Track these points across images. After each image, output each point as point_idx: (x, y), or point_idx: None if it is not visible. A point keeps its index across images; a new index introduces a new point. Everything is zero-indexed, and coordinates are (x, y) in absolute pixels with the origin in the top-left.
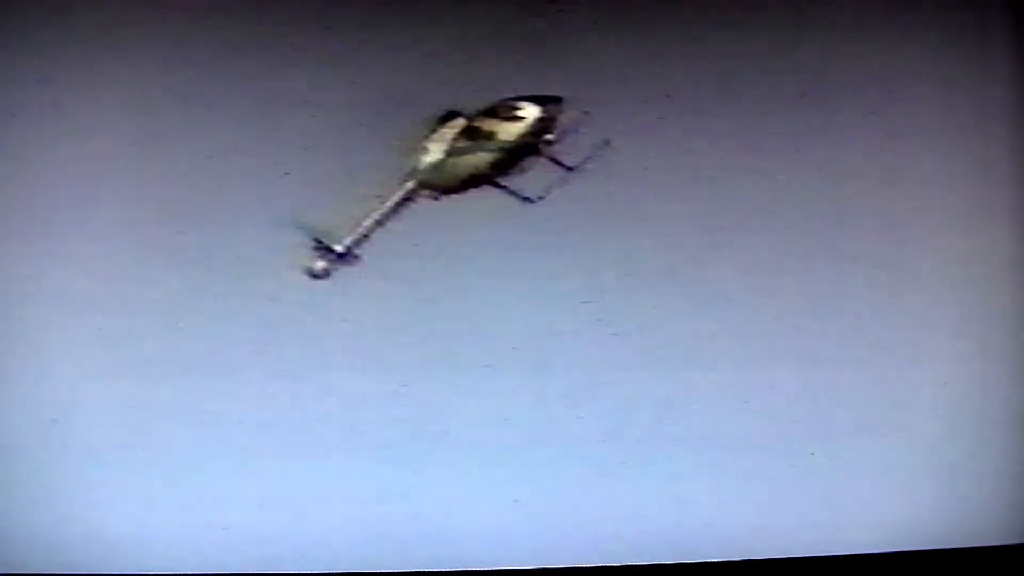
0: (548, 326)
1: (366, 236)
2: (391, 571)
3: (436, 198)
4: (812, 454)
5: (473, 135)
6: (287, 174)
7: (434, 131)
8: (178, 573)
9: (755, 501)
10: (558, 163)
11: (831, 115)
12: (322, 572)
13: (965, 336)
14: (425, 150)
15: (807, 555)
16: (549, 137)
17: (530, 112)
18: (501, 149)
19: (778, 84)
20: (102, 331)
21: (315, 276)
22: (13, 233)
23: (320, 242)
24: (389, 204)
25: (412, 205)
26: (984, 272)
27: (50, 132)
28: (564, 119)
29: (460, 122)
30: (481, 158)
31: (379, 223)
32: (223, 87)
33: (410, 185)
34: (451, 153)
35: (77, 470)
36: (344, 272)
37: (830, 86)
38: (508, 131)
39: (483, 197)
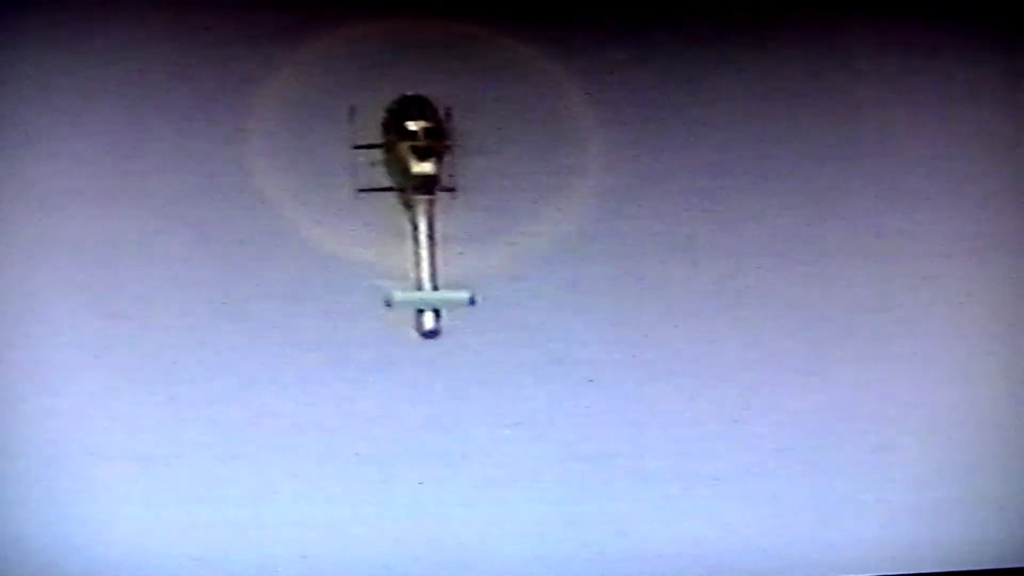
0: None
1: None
2: None
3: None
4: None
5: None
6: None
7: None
8: None
9: (762, 522)
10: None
11: (860, 134)
12: None
13: (992, 356)
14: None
15: None
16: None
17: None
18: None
19: (807, 111)
20: (116, 339)
21: (428, 335)
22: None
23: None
24: (424, 229)
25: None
26: (1012, 292)
27: (88, 144)
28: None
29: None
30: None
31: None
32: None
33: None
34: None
35: (85, 481)
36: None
37: (860, 107)
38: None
39: None
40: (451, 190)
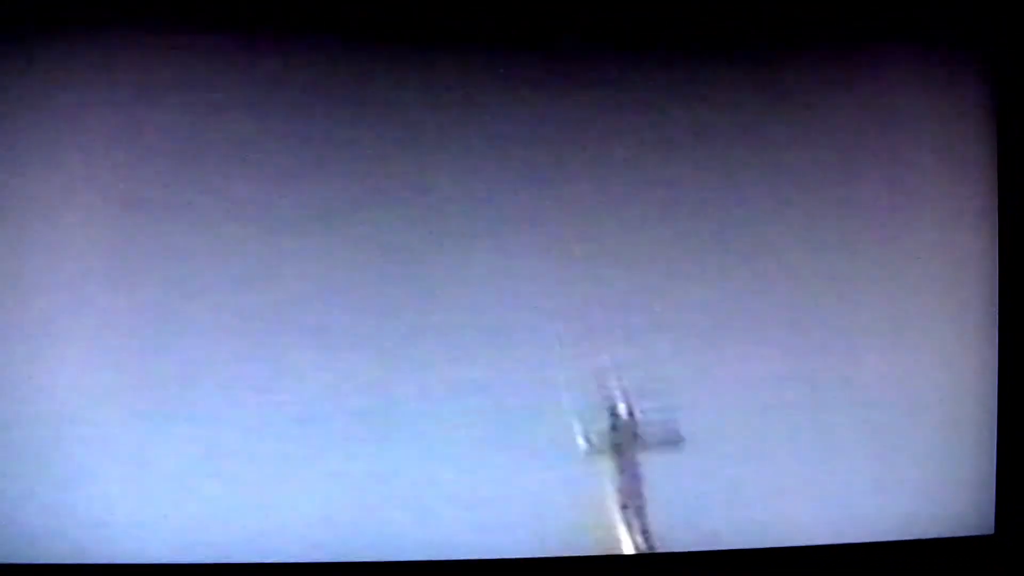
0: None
1: None
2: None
3: None
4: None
5: None
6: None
7: None
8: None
9: (748, 491)
10: None
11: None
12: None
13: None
14: None
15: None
16: None
17: None
18: None
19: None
20: (104, 326)
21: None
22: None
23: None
24: None
25: None
26: (986, 279)
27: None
28: None
29: None
30: None
31: None
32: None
33: None
34: None
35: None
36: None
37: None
38: None
39: None
40: None
